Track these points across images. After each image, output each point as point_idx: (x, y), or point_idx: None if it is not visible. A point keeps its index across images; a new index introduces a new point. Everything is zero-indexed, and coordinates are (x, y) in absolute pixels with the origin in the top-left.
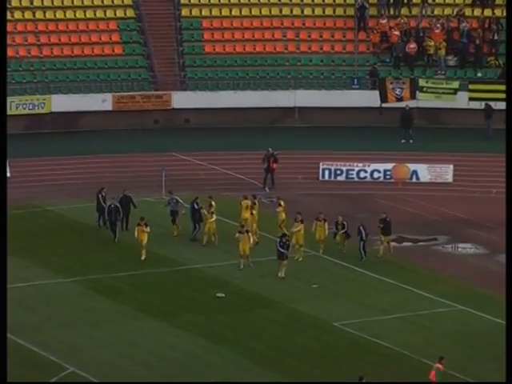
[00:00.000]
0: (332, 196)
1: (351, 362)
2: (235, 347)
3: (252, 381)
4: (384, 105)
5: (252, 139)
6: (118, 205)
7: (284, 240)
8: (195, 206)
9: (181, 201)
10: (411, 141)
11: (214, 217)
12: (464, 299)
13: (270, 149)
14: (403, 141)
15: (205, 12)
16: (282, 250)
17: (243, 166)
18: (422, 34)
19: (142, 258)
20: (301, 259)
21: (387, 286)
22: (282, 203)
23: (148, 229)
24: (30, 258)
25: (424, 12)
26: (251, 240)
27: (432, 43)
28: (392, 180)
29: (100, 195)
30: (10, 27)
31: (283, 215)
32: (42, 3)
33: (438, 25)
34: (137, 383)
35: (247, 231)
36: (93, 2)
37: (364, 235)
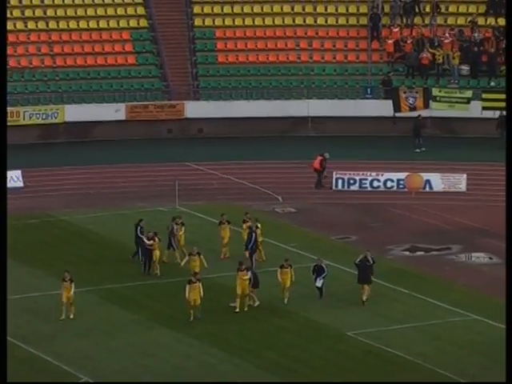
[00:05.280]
0: (345, 205)
1: (364, 371)
2: (248, 357)
3: None
4: (397, 114)
5: (265, 149)
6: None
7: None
8: (139, 230)
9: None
10: (423, 149)
11: (183, 229)
12: (478, 309)
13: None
14: (417, 150)
15: (218, 22)
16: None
17: (257, 176)
18: (436, 44)
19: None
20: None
21: (400, 296)
22: (259, 225)
23: (157, 240)
24: (45, 267)
25: (435, 21)
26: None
27: (441, 52)
28: (405, 189)
29: (138, 227)
30: (23, 37)
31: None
32: (56, 13)
33: (450, 34)
34: None
35: (198, 280)
36: (106, 12)
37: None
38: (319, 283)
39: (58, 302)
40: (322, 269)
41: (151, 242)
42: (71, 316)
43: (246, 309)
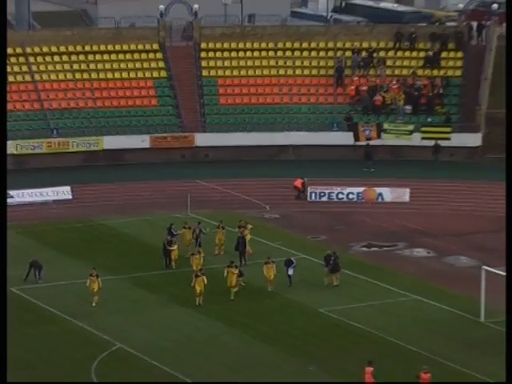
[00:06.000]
0: (318, 213)
1: (335, 340)
2: (244, 329)
3: (258, 355)
4: (357, 143)
5: (256, 170)
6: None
7: (332, 257)
8: (172, 231)
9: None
10: (372, 169)
11: (175, 246)
12: (419, 291)
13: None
14: (367, 170)
15: (220, 73)
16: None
17: (250, 190)
18: (385, 89)
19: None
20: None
21: (360, 281)
22: (249, 226)
23: (175, 247)
24: (87, 260)
25: (385, 72)
26: None
27: (389, 95)
28: (363, 200)
29: (171, 229)
30: (71, 85)
31: (249, 236)
32: (96, 66)
33: (397, 82)
34: None
35: (203, 273)
36: (135, 66)
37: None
38: (291, 271)
39: (89, 292)
40: (291, 261)
41: (171, 247)
42: (93, 304)
43: (232, 298)
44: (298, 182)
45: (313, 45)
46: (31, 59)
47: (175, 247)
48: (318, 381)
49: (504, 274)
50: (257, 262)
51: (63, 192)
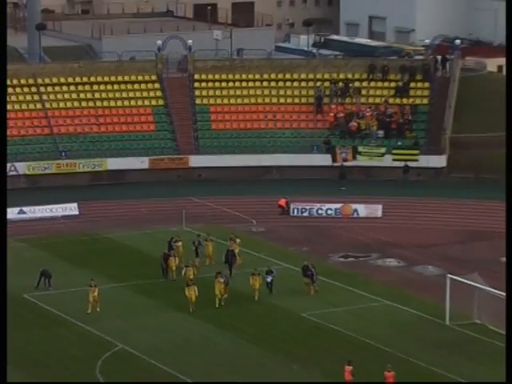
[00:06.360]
0: (299, 226)
1: (315, 341)
2: (234, 331)
3: (246, 354)
4: (334, 164)
5: (244, 188)
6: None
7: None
8: (172, 242)
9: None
10: (344, 188)
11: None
12: (390, 297)
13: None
14: (342, 188)
15: (211, 101)
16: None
17: (239, 206)
18: (360, 116)
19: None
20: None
21: (336, 288)
22: (238, 240)
23: (172, 259)
24: (91, 269)
25: (359, 101)
26: None
27: (364, 122)
28: (340, 215)
29: (172, 242)
30: (78, 112)
31: (237, 249)
32: (100, 95)
33: (370, 109)
34: None
35: (193, 283)
36: (135, 95)
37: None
38: (269, 279)
39: (86, 301)
40: (271, 271)
41: (169, 259)
42: (98, 309)
43: (223, 303)
44: (282, 202)
45: (295, 76)
46: (42, 89)
47: (173, 259)
48: (300, 379)
49: (467, 282)
50: (245, 272)
51: (71, 208)
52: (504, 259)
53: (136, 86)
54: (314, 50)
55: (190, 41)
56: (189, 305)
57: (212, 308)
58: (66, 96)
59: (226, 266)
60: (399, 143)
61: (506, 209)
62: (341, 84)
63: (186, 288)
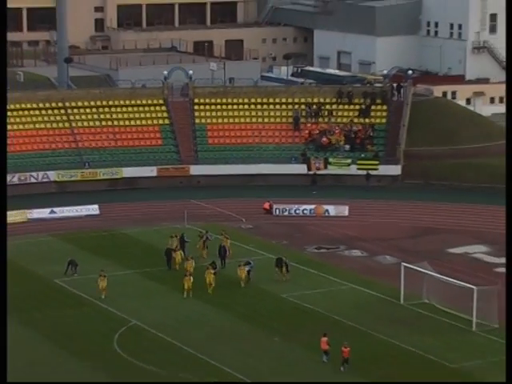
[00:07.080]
0: (281, 224)
1: (294, 318)
2: (227, 309)
3: (237, 329)
4: (309, 172)
5: (236, 192)
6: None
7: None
8: (184, 238)
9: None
10: (315, 192)
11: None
12: (355, 281)
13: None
14: (314, 192)
15: (209, 120)
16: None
17: (231, 207)
18: (331, 133)
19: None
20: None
21: (311, 274)
22: (228, 241)
23: (177, 253)
24: (110, 259)
25: (330, 120)
26: None
27: (333, 138)
28: (314, 214)
29: (184, 237)
30: (99, 129)
31: (228, 243)
32: (117, 116)
33: (338, 127)
34: None
35: (190, 274)
36: (145, 116)
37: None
38: (247, 268)
39: (97, 289)
40: (249, 262)
41: (175, 253)
42: (102, 296)
43: (210, 292)
44: (266, 205)
45: (277, 100)
46: (69, 111)
47: (177, 252)
48: (281, 348)
49: (418, 269)
50: (235, 261)
51: (93, 209)
52: (451, 250)
53: (146, 109)
54: (292, 79)
55: (191, 71)
56: (183, 291)
57: (207, 291)
58: (89, 116)
59: (219, 258)
60: (362, 155)
61: (506, 210)
62: (314, 107)
63: (184, 278)
